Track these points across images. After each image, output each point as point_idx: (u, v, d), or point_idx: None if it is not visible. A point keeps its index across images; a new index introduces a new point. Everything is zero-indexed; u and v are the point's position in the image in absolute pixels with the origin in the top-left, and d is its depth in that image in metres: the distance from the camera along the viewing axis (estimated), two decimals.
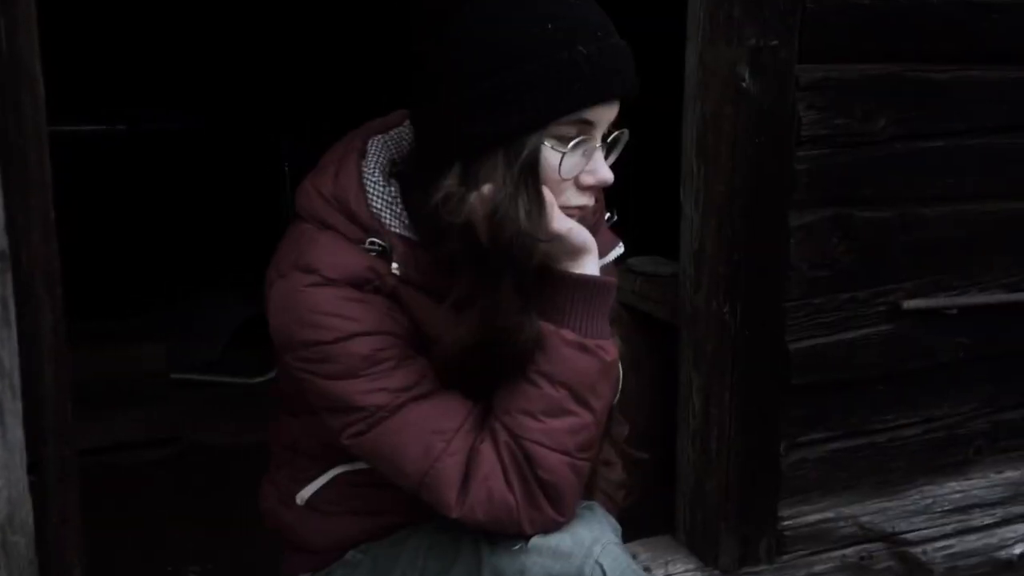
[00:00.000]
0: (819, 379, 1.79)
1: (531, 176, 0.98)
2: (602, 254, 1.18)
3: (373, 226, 1.07)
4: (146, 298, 3.78)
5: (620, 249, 1.25)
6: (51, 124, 1.17)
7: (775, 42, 1.59)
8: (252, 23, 4.53)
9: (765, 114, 1.63)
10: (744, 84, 1.60)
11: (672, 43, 1.72)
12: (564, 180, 1.01)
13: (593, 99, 0.97)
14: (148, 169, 4.59)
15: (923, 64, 1.75)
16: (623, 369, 1.19)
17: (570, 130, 0.99)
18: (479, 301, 1.01)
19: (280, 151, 4.41)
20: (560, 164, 0.99)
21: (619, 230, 1.27)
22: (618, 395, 1.23)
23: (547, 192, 1.00)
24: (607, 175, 1.03)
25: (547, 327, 1.04)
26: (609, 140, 1.05)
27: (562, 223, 1.02)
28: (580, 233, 1.04)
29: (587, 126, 1.00)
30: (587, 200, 1.05)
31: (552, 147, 0.99)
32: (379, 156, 1.12)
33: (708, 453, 1.77)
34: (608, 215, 1.25)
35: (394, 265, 1.06)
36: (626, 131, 1.07)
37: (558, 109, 0.96)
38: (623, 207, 1.27)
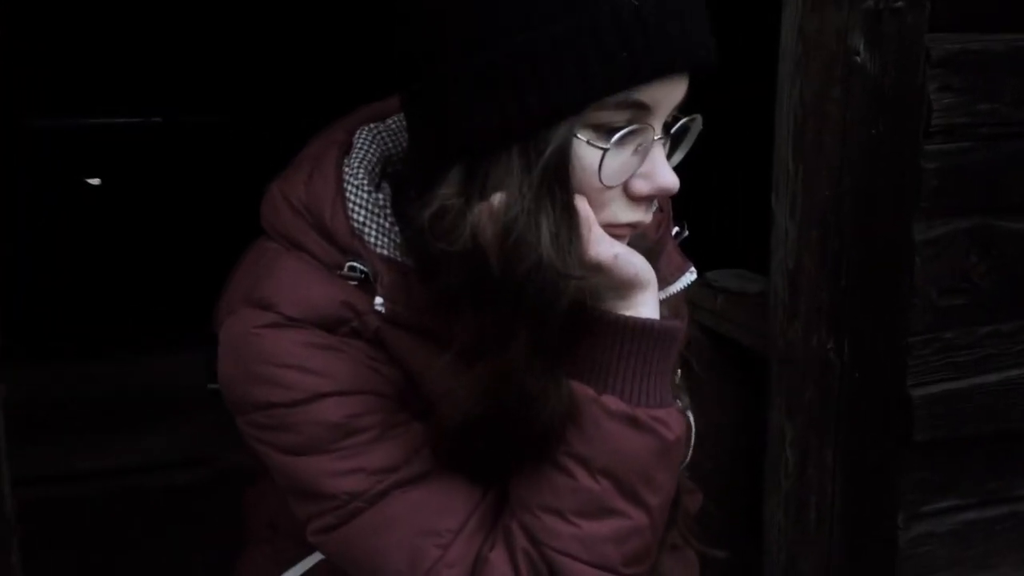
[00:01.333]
0: (949, 434, 1.52)
1: (558, 183, 0.73)
2: (666, 283, 0.92)
3: (353, 246, 0.84)
4: (185, 302, 3.71)
5: (691, 276, 0.99)
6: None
7: (900, 3, 1.30)
8: (298, 18, 4.41)
9: (885, 97, 1.36)
10: (858, 58, 1.32)
11: None
12: (608, 188, 0.75)
13: (649, 72, 0.71)
14: (187, 164, 4.53)
15: None
16: (694, 410, 0.94)
17: (616, 117, 0.73)
18: (486, 356, 0.76)
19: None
20: (600, 165, 0.74)
21: (693, 242, 1.01)
22: (687, 459, 0.97)
23: (582, 205, 0.75)
24: (670, 180, 0.77)
25: (584, 392, 0.79)
26: (674, 131, 0.79)
27: (605, 248, 0.76)
28: (631, 261, 0.78)
29: (641, 111, 0.74)
30: (642, 215, 0.79)
31: (589, 141, 0.73)
32: (367, 152, 0.89)
33: (804, 524, 1.50)
34: (676, 229, 0.99)
35: (378, 300, 0.83)
36: (699, 117, 0.81)
37: (596, 87, 0.71)
38: (698, 209, 1.00)
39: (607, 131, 0.74)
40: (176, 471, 2.88)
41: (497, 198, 0.73)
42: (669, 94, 0.75)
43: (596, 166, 0.74)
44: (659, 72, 0.72)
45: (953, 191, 1.42)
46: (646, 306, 0.81)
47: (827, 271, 1.41)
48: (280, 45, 4.47)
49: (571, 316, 0.77)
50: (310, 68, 4.45)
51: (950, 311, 1.47)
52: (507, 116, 0.71)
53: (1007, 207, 1.47)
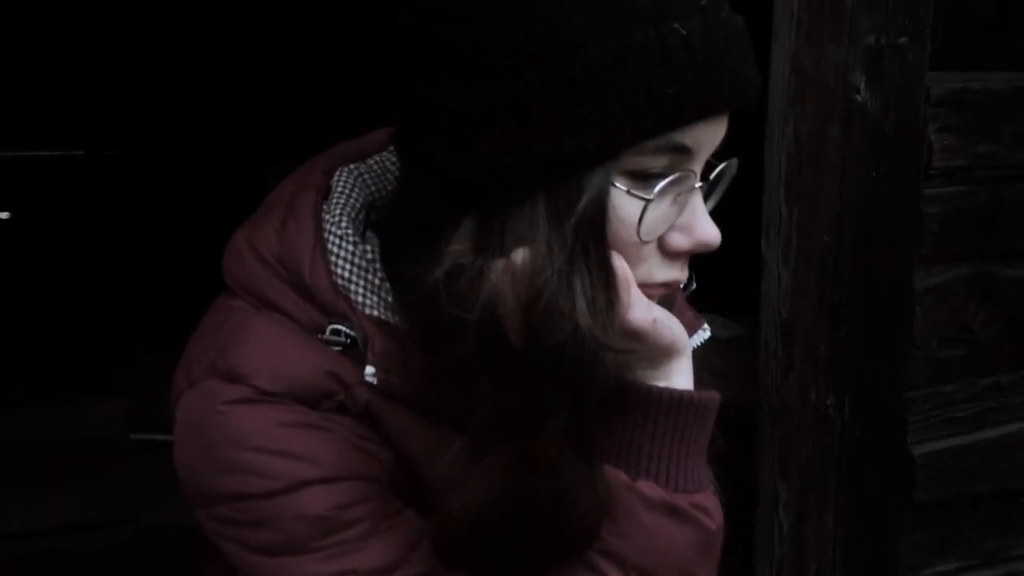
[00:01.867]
0: (951, 494, 1.45)
1: (594, 238, 0.64)
2: None
3: (338, 306, 0.74)
4: (106, 346, 3.53)
5: (705, 334, 0.91)
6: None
7: (903, 39, 1.26)
8: (223, 33, 4.27)
9: (886, 137, 1.30)
10: (859, 97, 1.27)
11: None
12: (645, 243, 0.67)
13: (698, 111, 0.63)
14: (109, 199, 4.32)
15: None
16: None
17: (653, 161, 0.65)
18: (508, 442, 0.66)
19: (257, 178, 4.11)
20: (642, 218, 0.65)
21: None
22: None
23: (620, 264, 0.66)
24: (712, 234, 0.69)
25: (616, 479, 0.69)
26: (713, 176, 0.71)
27: (643, 313, 0.67)
28: (669, 326, 0.70)
29: (681, 155, 0.66)
30: (678, 273, 0.71)
31: (629, 190, 0.64)
32: (349, 197, 0.79)
33: None
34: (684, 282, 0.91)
35: (369, 369, 0.72)
36: (735, 161, 0.73)
37: (639, 127, 0.62)
38: None
39: (642, 178, 0.65)
40: (95, 532, 2.70)
41: (520, 256, 0.64)
42: (713, 136, 0.67)
43: (635, 219, 0.65)
44: (708, 111, 0.64)
45: (953, 236, 1.38)
46: (680, 375, 0.73)
47: (826, 321, 1.35)
48: (212, 79, 4.33)
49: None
50: (245, 102, 4.30)
51: (949, 363, 1.42)
52: (535, 159, 0.62)
53: (1006, 253, 1.42)
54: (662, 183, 0.64)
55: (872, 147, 1.30)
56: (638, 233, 0.65)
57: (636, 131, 0.62)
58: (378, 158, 0.83)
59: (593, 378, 0.64)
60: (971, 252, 1.40)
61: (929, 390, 1.42)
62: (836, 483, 1.38)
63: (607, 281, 0.64)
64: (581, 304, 0.62)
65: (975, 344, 1.43)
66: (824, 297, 1.35)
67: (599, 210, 0.63)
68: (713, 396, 0.74)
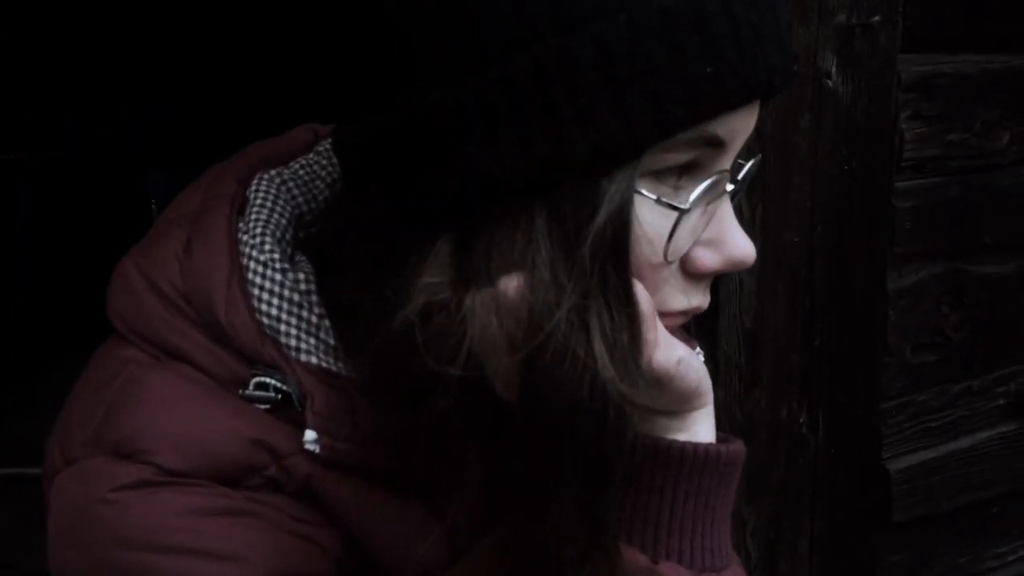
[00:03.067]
0: (928, 510, 1.37)
1: (615, 263, 0.50)
2: None
3: (264, 353, 0.59)
4: None
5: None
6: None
7: (876, 18, 1.16)
8: (109, 30, 4.01)
9: (858, 127, 1.21)
10: (830, 83, 1.17)
11: None
12: (669, 263, 0.53)
13: (742, 93, 0.50)
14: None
15: None
16: None
17: (681, 158, 0.52)
18: (504, 524, 0.53)
19: (145, 183, 3.87)
20: (672, 232, 0.52)
21: None
22: None
23: (642, 294, 0.52)
24: (747, 249, 0.57)
25: (634, 561, 0.56)
26: (741, 176, 0.59)
27: (668, 353, 0.54)
28: (693, 367, 0.57)
29: (712, 150, 0.53)
30: (700, 298, 0.59)
31: (659, 199, 0.51)
32: (272, 211, 0.64)
33: None
34: None
35: (309, 434, 0.58)
36: (760, 157, 0.61)
37: (670, 118, 0.48)
38: None
39: (667, 181, 0.52)
40: None
41: (512, 286, 0.50)
42: (747, 126, 0.55)
43: (663, 234, 0.52)
44: (754, 93, 0.51)
45: (926, 233, 1.30)
46: (703, 425, 0.60)
47: (798, 330, 1.24)
48: (211, 78, 4.07)
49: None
50: (245, 103, 4.03)
51: (923, 369, 1.34)
52: (533, 161, 0.48)
53: (978, 248, 1.35)
54: (698, 189, 0.51)
55: (845, 137, 1.20)
56: (664, 253, 0.52)
57: (665, 123, 0.48)
58: (304, 161, 0.68)
59: (618, 442, 0.50)
60: (943, 249, 1.32)
61: (903, 400, 1.33)
62: (811, 507, 1.28)
63: (631, 317, 0.51)
64: (600, 349, 0.49)
65: (948, 348, 1.35)
66: (796, 304, 1.24)
67: (622, 226, 0.49)
68: (740, 448, 0.61)
